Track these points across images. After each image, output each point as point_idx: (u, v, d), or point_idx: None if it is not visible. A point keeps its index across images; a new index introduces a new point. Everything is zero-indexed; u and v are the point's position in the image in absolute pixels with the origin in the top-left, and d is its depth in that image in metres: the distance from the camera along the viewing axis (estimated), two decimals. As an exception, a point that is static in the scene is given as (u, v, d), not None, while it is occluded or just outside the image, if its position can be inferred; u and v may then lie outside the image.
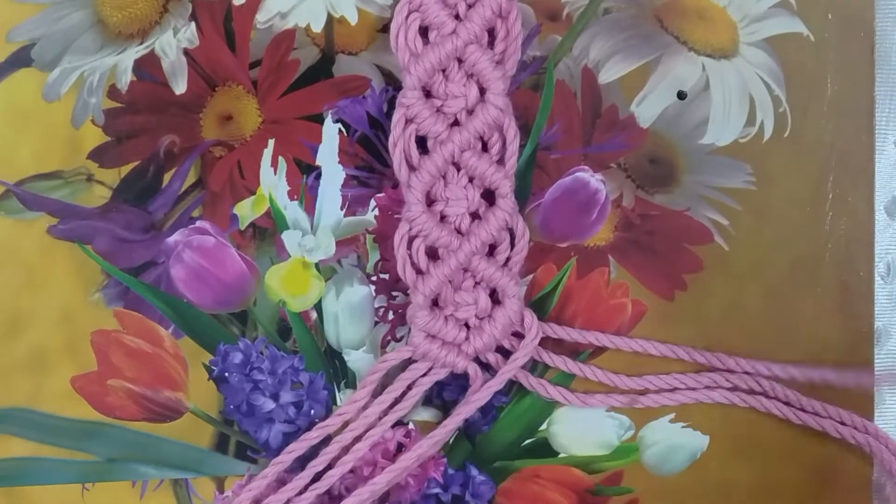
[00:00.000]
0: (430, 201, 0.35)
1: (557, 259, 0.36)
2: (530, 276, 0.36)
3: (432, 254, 0.34)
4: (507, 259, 0.34)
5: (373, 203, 0.36)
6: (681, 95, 0.36)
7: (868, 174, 0.37)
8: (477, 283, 0.34)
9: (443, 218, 0.34)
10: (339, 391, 0.36)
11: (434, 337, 0.34)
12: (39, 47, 0.36)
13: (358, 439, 0.34)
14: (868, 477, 0.37)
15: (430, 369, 0.35)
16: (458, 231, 0.34)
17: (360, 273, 0.36)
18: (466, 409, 0.34)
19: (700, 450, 0.36)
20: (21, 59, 0.36)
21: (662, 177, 0.37)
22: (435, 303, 0.35)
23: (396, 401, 0.34)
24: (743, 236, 0.36)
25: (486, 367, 0.35)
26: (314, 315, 0.36)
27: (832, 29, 0.37)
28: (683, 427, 0.36)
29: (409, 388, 0.35)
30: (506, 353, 0.35)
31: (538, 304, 0.36)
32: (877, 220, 0.37)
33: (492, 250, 0.35)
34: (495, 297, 0.35)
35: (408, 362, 0.34)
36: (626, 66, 0.36)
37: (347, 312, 0.36)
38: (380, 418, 0.34)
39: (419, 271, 0.34)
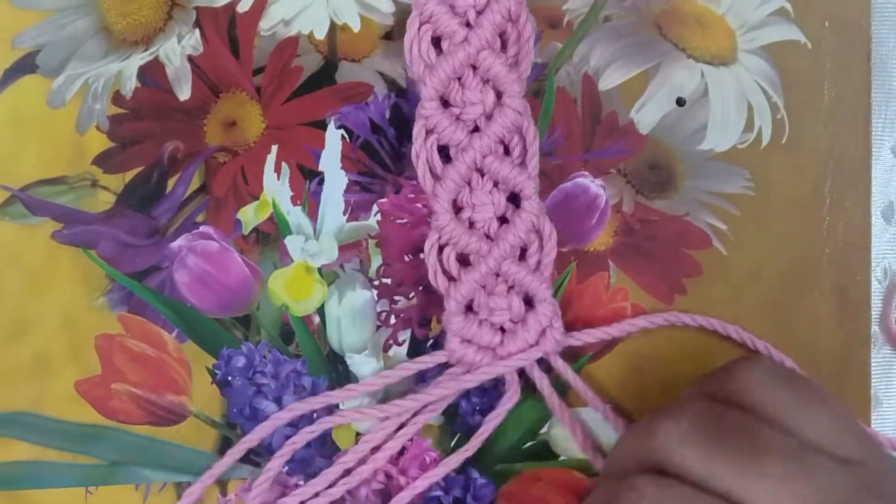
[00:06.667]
0: (457, 209, 0.35)
1: (558, 263, 0.36)
2: (531, 281, 0.36)
3: (463, 260, 0.35)
4: (538, 262, 0.35)
5: (375, 208, 0.36)
6: (680, 102, 0.37)
7: (864, 179, 0.37)
8: (510, 288, 0.35)
9: (471, 224, 0.35)
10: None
11: (469, 342, 0.34)
12: (44, 54, 0.36)
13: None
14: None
15: (465, 372, 0.35)
16: (487, 236, 0.35)
17: (363, 277, 0.36)
18: (497, 415, 0.35)
19: (699, 452, 0.36)
20: (26, 65, 0.36)
21: (662, 182, 0.37)
22: (469, 308, 0.35)
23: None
24: (741, 241, 0.37)
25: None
26: (317, 319, 0.36)
27: (829, 36, 0.37)
28: (683, 430, 0.36)
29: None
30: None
31: (539, 309, 0.36)
32: (873, 224, 0.37)
33: (522, 254, 0.35)
34: (528, 301, 0.35)
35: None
36: (626, 73, 0.37)
37: (350, 316, 0.36)
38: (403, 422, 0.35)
39: (451, 278, 0.34)
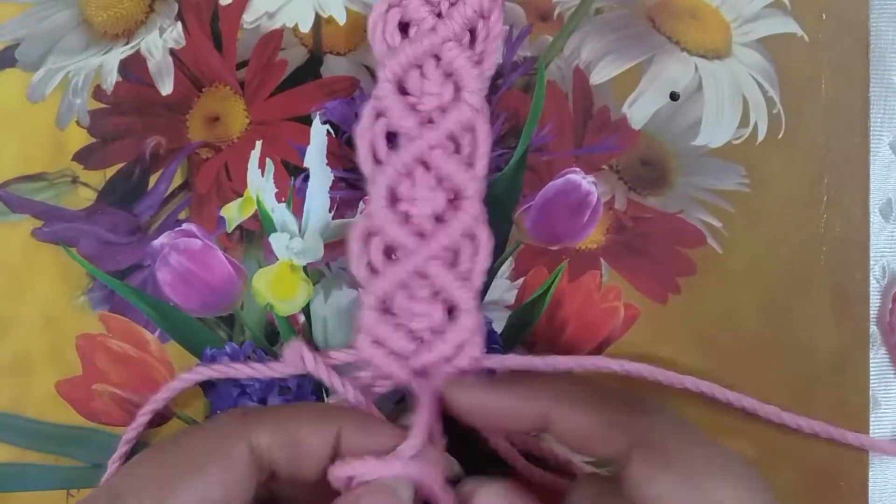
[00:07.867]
0: (395, 199, 0.34)
1: (548, 262, 0.36)
2: (521, 280, 0.36)
3: (391, 254, 0.33)
4: (469, 271, 0.33)
5: (361, 205, 0.35)
6: (673, 96, 0.36)
7: (863, 176, 0.36)
8: (435, 294, 0.33)
9: (406, 218, 0.33)
10: (326, 396, 0.36)
11: (380, 344, 0.33)
12: (24, 47, 0.35)
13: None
14: (864, 480, 0.36)
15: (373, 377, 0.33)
16: (421, 234, 0.33)
17: (349, 276, 0.36)
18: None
19: (693, 455, 0.36)
20: (5, 59, 0.35)
21: (655, 179, 0.36)
22: (389, 310, 0.33)
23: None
24: (736, 239, 0.36)
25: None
26: (302, 319, 0.35)
27: (826, 29, 0.36)
28: (676, 432, 0.36)
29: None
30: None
31: (528, 308, 0.36)
32: (872, 222, 0.37)
33: (455, 262, 0.33)
34: (452, 312, 0.33)
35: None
36: (618, 67, 0.36)
37: (336, 316, 0.35)
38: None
39: (374, 270, 0.33)
